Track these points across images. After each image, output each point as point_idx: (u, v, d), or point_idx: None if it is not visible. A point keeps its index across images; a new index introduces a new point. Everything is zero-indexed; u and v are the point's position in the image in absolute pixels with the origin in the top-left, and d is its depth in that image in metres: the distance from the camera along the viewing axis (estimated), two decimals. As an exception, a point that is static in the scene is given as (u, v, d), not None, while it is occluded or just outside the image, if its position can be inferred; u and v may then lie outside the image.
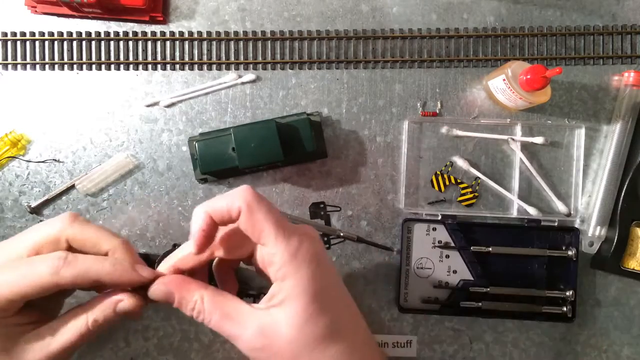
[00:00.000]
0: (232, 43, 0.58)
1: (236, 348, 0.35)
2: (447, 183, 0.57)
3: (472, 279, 0.56)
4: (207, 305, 0.35)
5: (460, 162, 0.57)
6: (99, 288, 0.37)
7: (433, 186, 0.57)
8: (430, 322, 0.57)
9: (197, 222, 0.36)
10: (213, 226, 0.36)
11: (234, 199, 0.35)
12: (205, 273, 0.41)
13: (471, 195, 0.57)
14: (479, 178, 0.57)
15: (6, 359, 0.35)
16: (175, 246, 0.55)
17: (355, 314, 0.38)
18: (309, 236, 0.36)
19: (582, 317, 0.57)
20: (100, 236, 0.37)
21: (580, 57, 0.58)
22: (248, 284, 0.56)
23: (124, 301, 0.36)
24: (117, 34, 0.57)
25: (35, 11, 0.56)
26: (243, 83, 0.57)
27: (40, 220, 0.56)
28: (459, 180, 0.57)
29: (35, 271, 0.34)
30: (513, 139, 0.57)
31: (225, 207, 0.35)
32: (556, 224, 0.56)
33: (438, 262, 0.56)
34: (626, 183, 0.56)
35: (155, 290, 0.36)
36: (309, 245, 0.35)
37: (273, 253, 0.34)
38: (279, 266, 0.34)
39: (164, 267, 0.38)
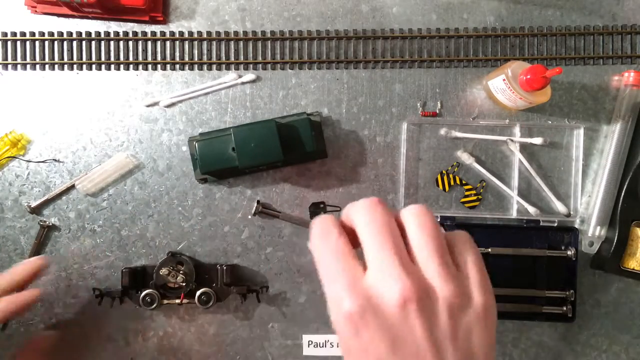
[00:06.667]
0: (232, 43, 0.58)
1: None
2: (452, 183, 0.57)
3: (472, 279, 0.56)
4: None
5: (465, 157, 0.56)
6: None
7: (437, 185, 0.57)
8: (430, 322, 0.57)
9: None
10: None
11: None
12: None
13: (475, 198, 0.57)
14: (484, 181, 0.57)
15: None
16: (170, 254, 0.55)
17: None
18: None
19: (582, 317, 0.57)
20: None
21: (580, 57, 0.58)
22: (250, 280, 0.56)
23: None
24: (117, 34, 0.57)
25: (35, 11, 0.56)
26: (243, 83, 0.57)
27: (40, 220, 0.56)
28: (464, 182, 0.57)
29: None
30: (512, 140, 0.57)
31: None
32: (556, 224, 0.56)
33: (438, 262, 0.56)
34: (626, 183, 0.56)
35: None
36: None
37: None
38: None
39: None
